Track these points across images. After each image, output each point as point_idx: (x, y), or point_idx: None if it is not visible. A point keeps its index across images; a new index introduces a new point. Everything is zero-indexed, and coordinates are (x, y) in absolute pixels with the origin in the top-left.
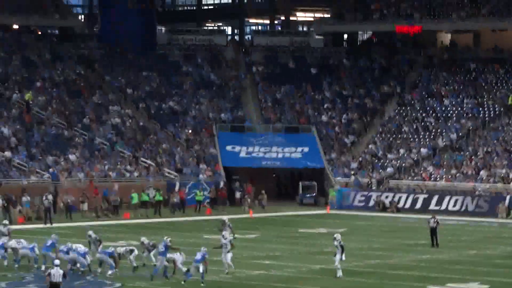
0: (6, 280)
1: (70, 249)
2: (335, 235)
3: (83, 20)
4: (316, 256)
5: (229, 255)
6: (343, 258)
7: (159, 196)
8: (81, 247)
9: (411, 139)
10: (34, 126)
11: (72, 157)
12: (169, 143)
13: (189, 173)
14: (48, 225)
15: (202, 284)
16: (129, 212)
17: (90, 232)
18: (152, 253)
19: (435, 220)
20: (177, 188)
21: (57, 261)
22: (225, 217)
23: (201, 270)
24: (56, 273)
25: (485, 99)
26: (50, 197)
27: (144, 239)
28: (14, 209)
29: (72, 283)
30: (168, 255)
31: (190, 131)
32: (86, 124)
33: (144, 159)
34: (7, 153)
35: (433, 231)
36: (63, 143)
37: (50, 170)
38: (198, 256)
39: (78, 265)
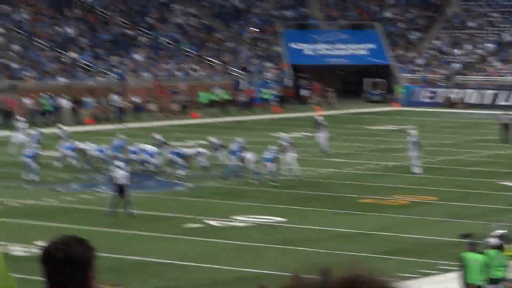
0: (78, 181)
1: (140, 149)
2: (409, 131)
3: None
4: (385, 153)
5: (291, 155)
6: (419, 154)
7: (225, 94)
8: (150, 148)
9: (476, 34)
10: (99, 26)
11: (137, 56)
12: (234, 42)
13: (254, 71)
14: (120, 125)
15: (274, 183)
16: (196, 112)
17: (155, 135)
18: (221, 153)
19: (509, 116)
20: (243, 86)
21: (119, 163)
22: (317, 116)
23: (271, 169)
24: (119, 175)
25: None
26: (118, 97)
27: (212, 138)
28: (82, 110)
29: (143, 184)
30: (240, 154)
31: (254, 29)
32: (150, 24)
33: (209, 58)
34: (73, 54)
35: (506, 127)
36: (127, 43)
37: (117, 70)
38: (268, 155)
39: (148, 165)
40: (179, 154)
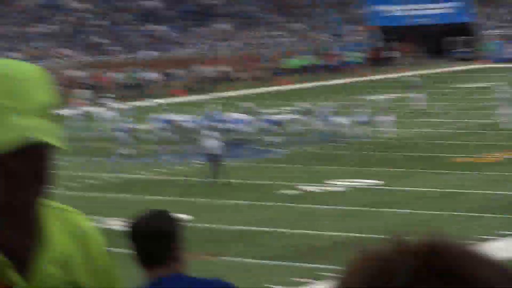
0: (172, 153)
1: (232, 118)
2: (499, 87)
3: None
4: (475, 110)
5: (385, 118)
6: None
7: (315, 60)
8: (243, 116)
9: None
10: None
11: (221, 26)
12: (320, 7)
13: (342, 34)
14: (211, 95)
15: (368, 146)
16: (287, 78)
17: (245, 104)
18: (312, 118)
19: None
20: (331, 51)
21: (212, 133)
22: (410, 76)
23: (365, 131)
24: (213, 145)
25: None
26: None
27: (303, 103)
28: (172, 82)
29: (236, 152)
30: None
31: None
32: None
33: (295, 24)
34: (159, 27)
35: None
36: (211, 13)
37: (205, 41)
38: (361, 118)
39: (241, 134)
40: (271, 121)
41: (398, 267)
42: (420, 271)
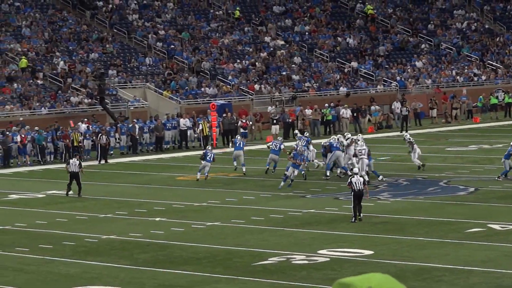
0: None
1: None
2: None
3: None
4: None
5: None
6: None
7: (508, 98)
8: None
9: None
10: (379, 35)
11: (418, 64)
12: None
13: None
14: (404, 132)
15: None
16: (478, 116)
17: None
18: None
19: None
20: None
21: (355, 170)
22: None
23: None
24: (358, 181)
25: None
26: (399, 105)
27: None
28: (363, 118)
29: (427, 189)
30: None
31: None
32: (431, 30)
33: (491, 62)
34: (354, 63)
35: None
36: (409, 50)
37: (397, 78)
38: None
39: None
40: None
41: None
42: None
